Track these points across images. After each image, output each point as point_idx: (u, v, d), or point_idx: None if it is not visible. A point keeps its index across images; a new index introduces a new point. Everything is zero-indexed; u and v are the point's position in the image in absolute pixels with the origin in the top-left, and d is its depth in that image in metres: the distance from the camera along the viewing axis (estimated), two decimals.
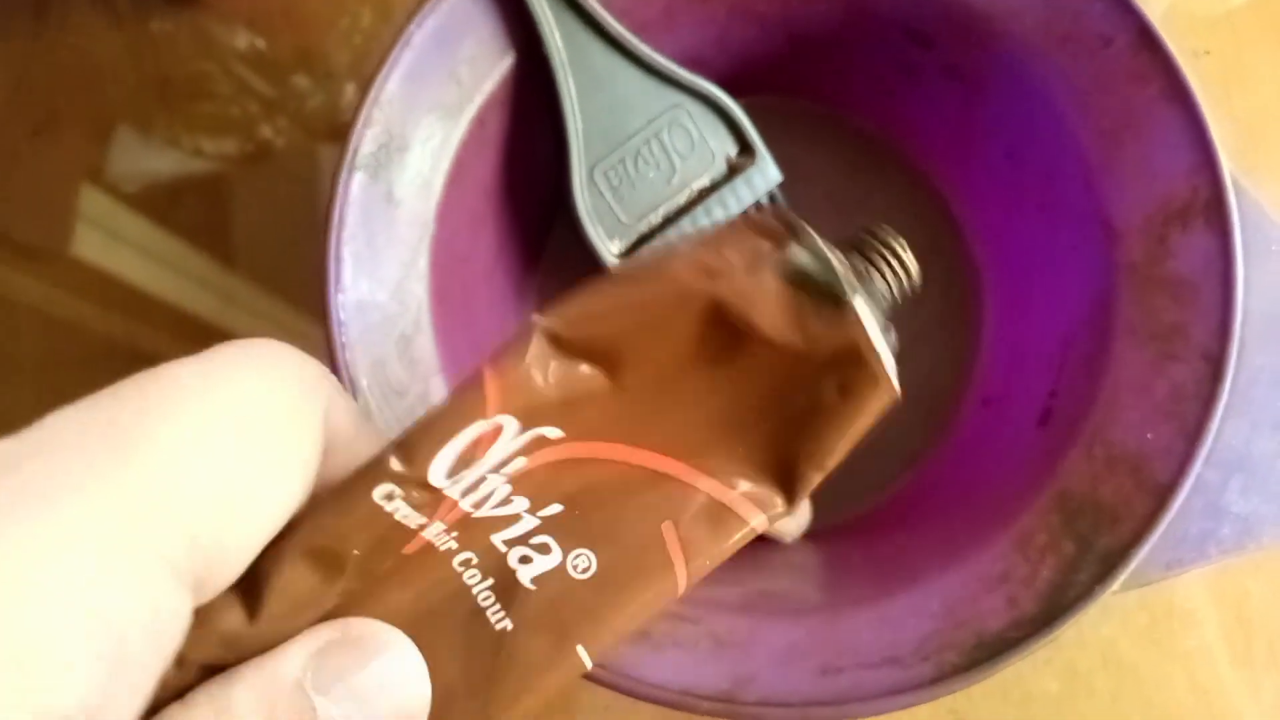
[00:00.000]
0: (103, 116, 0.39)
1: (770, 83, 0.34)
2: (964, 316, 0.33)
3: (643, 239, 0.30)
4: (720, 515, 0.15)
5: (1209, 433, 0.24)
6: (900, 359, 0.33)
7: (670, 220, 0.30)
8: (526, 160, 0.31)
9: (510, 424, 0.15)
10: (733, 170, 0.31)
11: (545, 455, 0.15)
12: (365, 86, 0.27)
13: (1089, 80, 0.27)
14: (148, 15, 0.40)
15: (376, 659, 0.13)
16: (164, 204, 0.39)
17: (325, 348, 0.26)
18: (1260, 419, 0.26)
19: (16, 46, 0.40)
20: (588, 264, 0.30)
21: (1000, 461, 0.28)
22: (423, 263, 0.27)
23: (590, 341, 0.15)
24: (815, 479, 0.15)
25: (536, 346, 0.15)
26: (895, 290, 0.18)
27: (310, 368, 0.15)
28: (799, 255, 0.15)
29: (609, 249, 0.30)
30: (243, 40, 0.40)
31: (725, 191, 0.30)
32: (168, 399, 0.12)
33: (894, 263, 0.18)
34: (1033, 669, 0.32)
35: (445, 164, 0.28)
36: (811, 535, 0.32)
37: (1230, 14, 0.40)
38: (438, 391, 0.27)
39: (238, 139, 0.40)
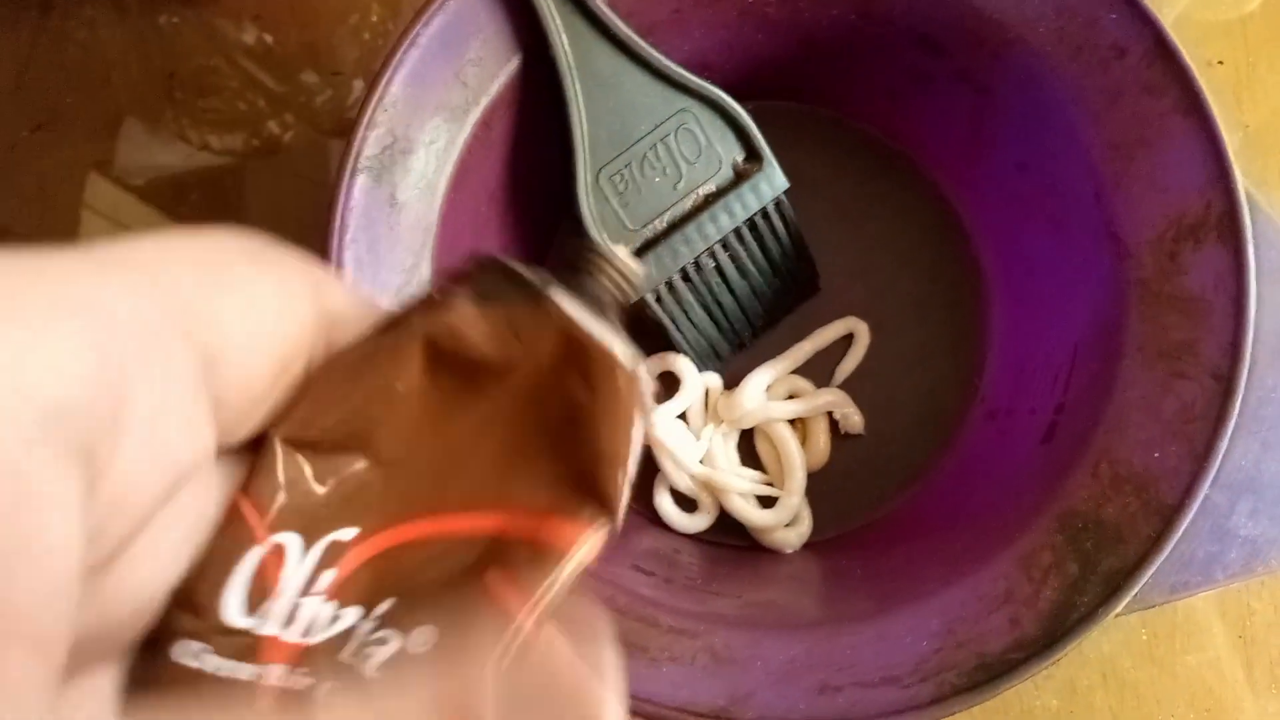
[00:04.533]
0: (108, 112, 0.39)
1: (778, 87, 0.33)
2: (970, 327, 0.33)
3: (648, 244, 0.30)
4: (538, 547, 0.15)
5: (1217, 453, 0.24)
6: (905, 369, 0.33)
7: (675, 226, 0.30)
8: (531, 163, 0.31)
9: (293, 541, 0.15)
10: (739, 176, 0.30)
11: (352, 558, 0.15)
12: (369, 87, 0.26)
13: (1102, 92, 0.27)
14: (155, 9, 0.40)
15: None
16: (170, 199, 0.39)
17: None
18: (1271, 440, 0.25)
19: (22, 40, 0.39)
20: None
21: (1004, 477, 0.28)
22: (425, 268, 0.27)
23: (333, 431, 0.15)
24: (619, 477, 0.15)
25: (283, 457, 0.15)
26: (614, 288, 0.18)
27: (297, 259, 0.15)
28: (486, 279, 0.15)
29: None
30: (250, 35, 0.40)
31: (731, 198, 0.30)
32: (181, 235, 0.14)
33: (606, 265, 0.18)
34: (1032, 685, 0.31)
35: (449, 167, 0.28)
36: (812, 546, 0.31)
37: (1243, 19, 0.39)
38: None
39: (245, 134, 0.39)
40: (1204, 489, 0.24)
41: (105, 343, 0.11)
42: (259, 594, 0.14)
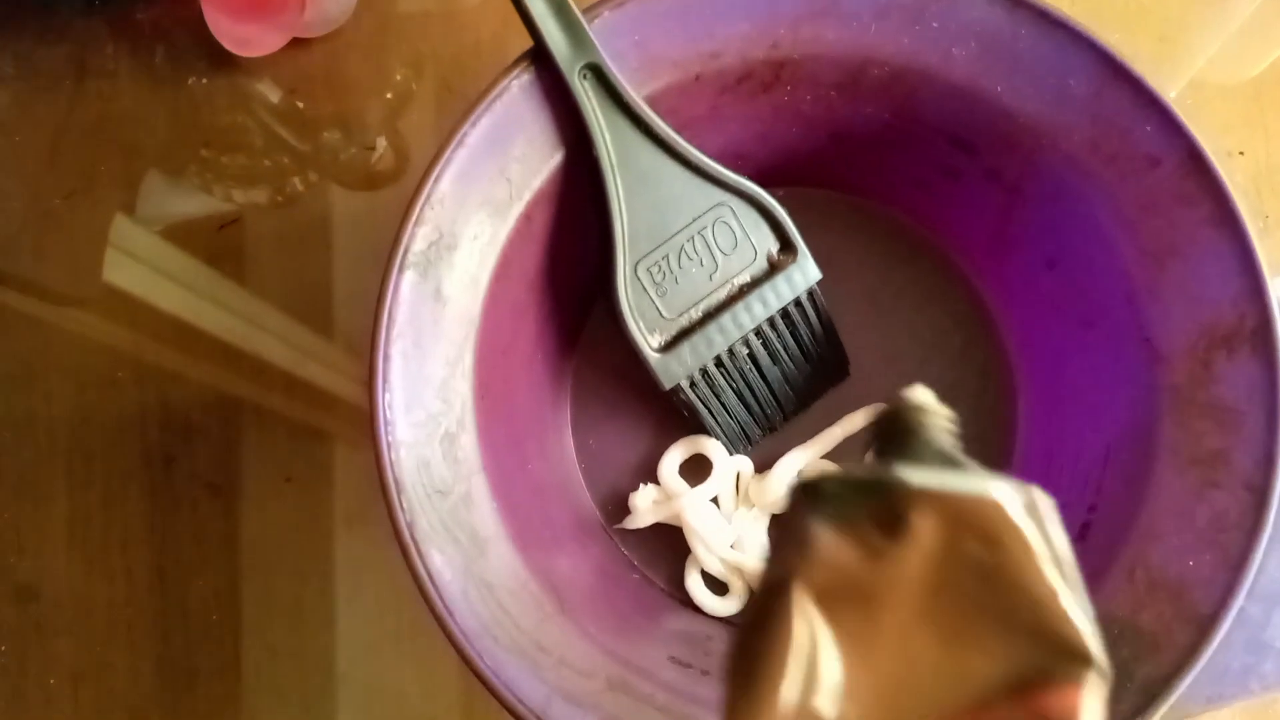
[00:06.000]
0: (137, 176, 0.40)
1: (811, 176, 0.34)
2: (999, 417, 0.33)
3: (683, 333, 0.30)
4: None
5: (1252, 564, 0.24)
6: None
7: (710, 315, 0.30)
8: (569, 250, 0.31)
9: None
10: (773, 267, 0.31)
11: None
12: (418, 185, 0.27)
13: (1135, 200, 0.28)
14: (184, 72, 0.41)
15: None
16: (186, 237, 0.39)
17: (371, 441, 0.26)
18: None
19: (59, 107, 0.40)
20: (623, 350, 0.30)
21: None
22: (468, 359, 0.27)
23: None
24: (1071, 612, 0.14)
25: None
26: (944, 431, 0.17)
27: None
28: (824, 501, 0.14)
29: (649, 343, 0.30)
30: (276, 96, 0.41)
31: (765, 288, 0.31)
32: None
33: (925, 415, 0.17)
34: None
35: (492, 260, 0.28)
36: None
37: (1259, 96, 0.40)
38: (479, 490, 0.27)
39: (268, 189, 0.40)
40: (1239, 599, 0.24)
41: None
42: None
